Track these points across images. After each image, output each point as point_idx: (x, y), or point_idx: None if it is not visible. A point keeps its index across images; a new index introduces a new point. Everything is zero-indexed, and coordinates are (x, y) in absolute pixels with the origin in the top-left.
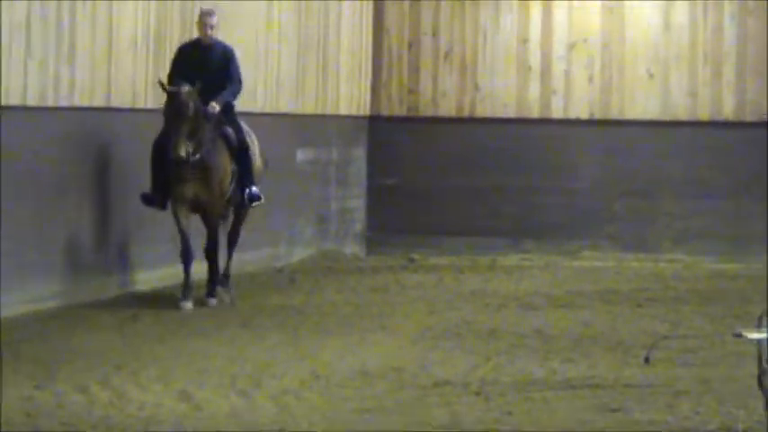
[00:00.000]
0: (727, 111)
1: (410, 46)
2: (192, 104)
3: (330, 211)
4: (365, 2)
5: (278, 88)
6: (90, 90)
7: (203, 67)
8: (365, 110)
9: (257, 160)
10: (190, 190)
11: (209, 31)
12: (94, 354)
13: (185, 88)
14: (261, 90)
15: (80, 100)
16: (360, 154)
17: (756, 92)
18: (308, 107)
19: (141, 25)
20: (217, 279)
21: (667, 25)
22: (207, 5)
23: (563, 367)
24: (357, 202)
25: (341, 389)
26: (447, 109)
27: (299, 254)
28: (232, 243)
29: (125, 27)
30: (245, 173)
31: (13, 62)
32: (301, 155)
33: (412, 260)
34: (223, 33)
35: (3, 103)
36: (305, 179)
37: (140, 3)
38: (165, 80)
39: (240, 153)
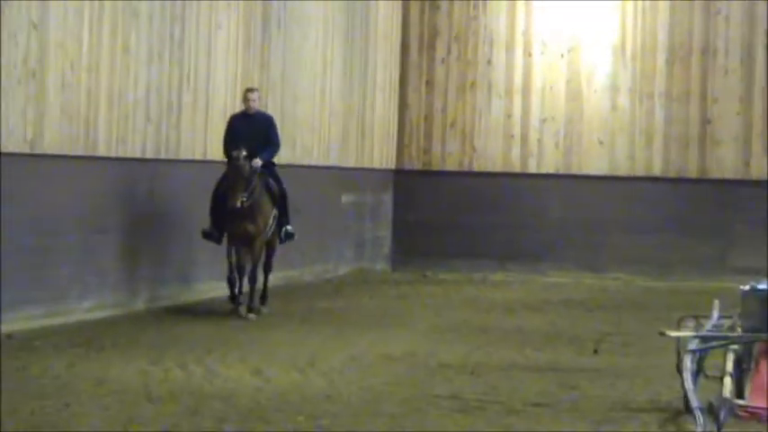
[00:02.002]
0: (656, 169)
1: (425, 118)
2: (247, 167)
3: (365, 239)
4: (393, 89)
5: (328, 148)
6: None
7: (249, 133)
8: (392, 164)
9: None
10: (241, 228)
11: (253, 104)
12: (190, 341)
13: (242, 154)
14: (315, 149)
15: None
16: (388, 197)
17: (677, 156)
18: (350, 162)
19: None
20: (256, 298)
21: (614, 107)
22: (252, 85)
23: (535, 354)
24: (385, 233)
25: (371, 368)
26: (452, 165)
27: (343, 270)
28: (267, 271)
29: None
30: (282, 215)
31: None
32: (345, 198)
33: (425, 276)
34: (291, 105)
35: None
36: (347, 216)
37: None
38: (221, 144)
39: (280, 200)
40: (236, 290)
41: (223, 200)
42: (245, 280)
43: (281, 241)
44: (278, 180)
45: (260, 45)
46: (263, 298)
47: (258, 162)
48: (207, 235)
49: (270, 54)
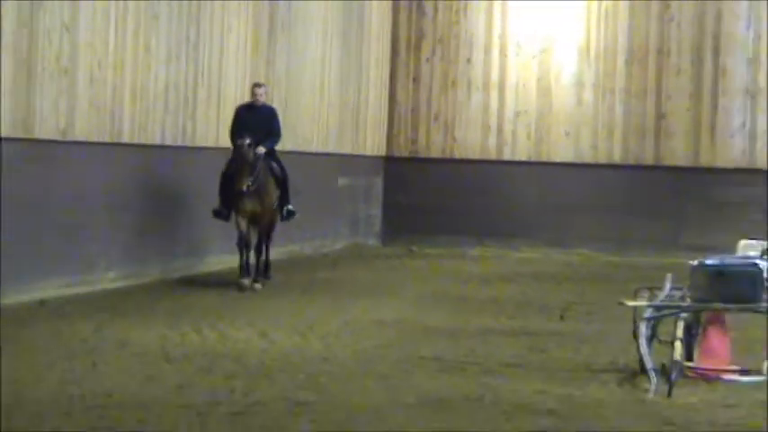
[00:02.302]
0: (617, 157)
1: (412, 111)
2: (251, 153)
3: (359, 217)
4: (384, 85)
5: (327, 136)
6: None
7: (254, 123)
8: (383, 152)
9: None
10: (247, 206)
11: (260, 98)
12: (203, 308)
13: (246, 141)
14: (315, 137)
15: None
16: (379, 181)
17: (635, 146)
18: (346, 149)
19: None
20: (261, 269)
21: (579, 102)
22: (260, 81)
23: (508, 321)
24: (376, 212)
25: (364, 332)
26: (435, 152)
27: (339, 245)
28: (267, 247)
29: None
30: (284, 195)
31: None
32: (341, 181)
33: (411, 250)
34: (294, 98)
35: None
36: (343, 197)
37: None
38: (227, 133)
39: (282, 182)
40: (244, 260)
41: (231, 182)
42: (252, 254)
43: (283, 218)
44: (280, 165)
45: (266, 45)
46: (266, 269)
47: (262, 149)
48: (217, 214)
49: (275, 53)
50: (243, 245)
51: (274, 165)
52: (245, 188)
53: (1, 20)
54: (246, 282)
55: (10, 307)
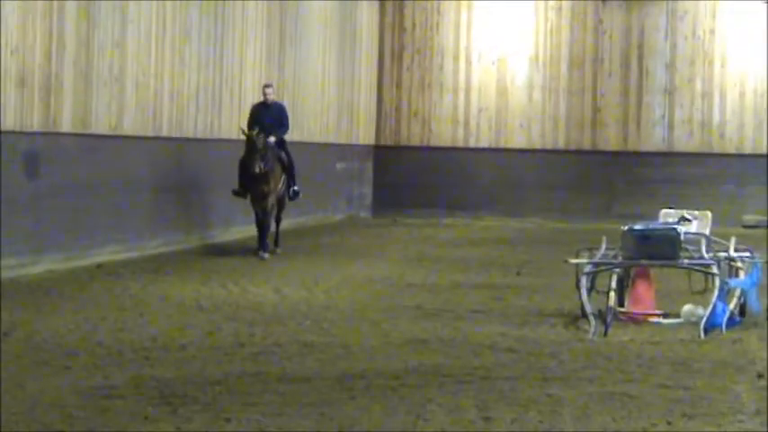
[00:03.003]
0: (561, 144)
1: (396, 109)
2: (261, 142)
3: (353, 194)
4: (372, 88)
5: (327, 129)
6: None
7: (267, 117)
8: (372, 141)
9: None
10: (259, 188)
11: (269, 97)
12: (229, 269)
13: (255, 132)
14: (318, 130)
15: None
16: (369, 165)
17: (576, 135)
18: (343, 140)
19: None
20: (266, 242)
21: (530, 100)
22: (269, 81)
23: (474, 276)
24: (367, 190)
25: (357, 287)
26: (415, 142)
27: (337, 217)
28: (278, 221)
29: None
30: (290, 179)
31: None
32: (339, 165)
33: (395, 221)
34: (300, 99)
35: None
36: (341, 178)
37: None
38: (245, 127)
39: (289, 168)
40: (262, 236)
41: (246, 167)
42: (264, 229)
43: (291, 198)
44: (287, 153)
45: (277, 56)
46: (276, 241)
47: (272, 139)
48: (236, 193)
49: (285, 63)
50: (260, 223)
51: (282, 154)
52: (257, 170)
53: (65, 37)
54: (266, 255)
55: (73, 270)
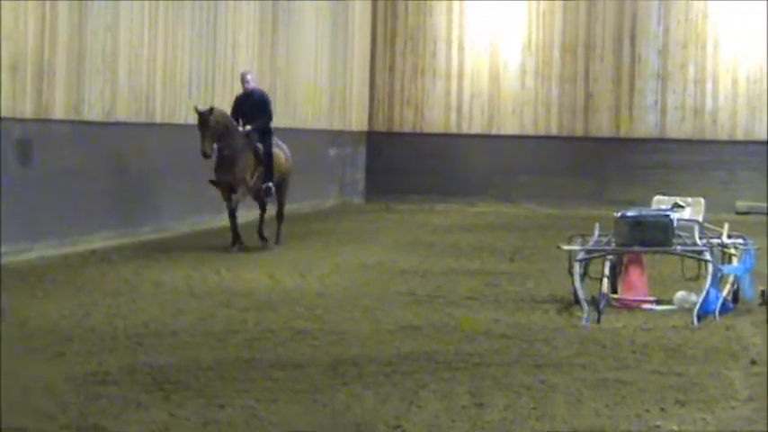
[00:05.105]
0: (553, 130)
1: (389, 95)
2: (210, 120)
3: (346, 180)
4: (365, 74)
5: (320, 115)
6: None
7: (248, 107)
8: (365, 127)
9: (287, 162)
10: (223, 176)
11: (247, 85)
12: (221, 254)
13: (206, 109)
14: (310, 116)
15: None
16: (362, 150)
17: (568, 121)
18: (335, 126)
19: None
20: (239, 231)
21: (523, 86)
22: (246, 72)
23: (467, 262)
24: (360, 176)
25: (351, 273)
26: (407, 128)
27: (330, 203)
28: (280, 218)
29: None
30: (266, 173)
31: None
32: (332, 151)
33: (388, 207)
34: (293, 85)
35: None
36: (334, 164)
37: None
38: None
39: (266, 158)
40: (234, 223)
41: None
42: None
43: (264, 195)
44: (269, 144)
45: (270, 42)
46: (277, 238)
47: (248, 128)
48: (212, 182)
49: (277, 48)
50: (229, 213)
51: (258, 144)
52: (208, 151)
53: (58, 23)
54: (234, 249)
55: (66, 256)
